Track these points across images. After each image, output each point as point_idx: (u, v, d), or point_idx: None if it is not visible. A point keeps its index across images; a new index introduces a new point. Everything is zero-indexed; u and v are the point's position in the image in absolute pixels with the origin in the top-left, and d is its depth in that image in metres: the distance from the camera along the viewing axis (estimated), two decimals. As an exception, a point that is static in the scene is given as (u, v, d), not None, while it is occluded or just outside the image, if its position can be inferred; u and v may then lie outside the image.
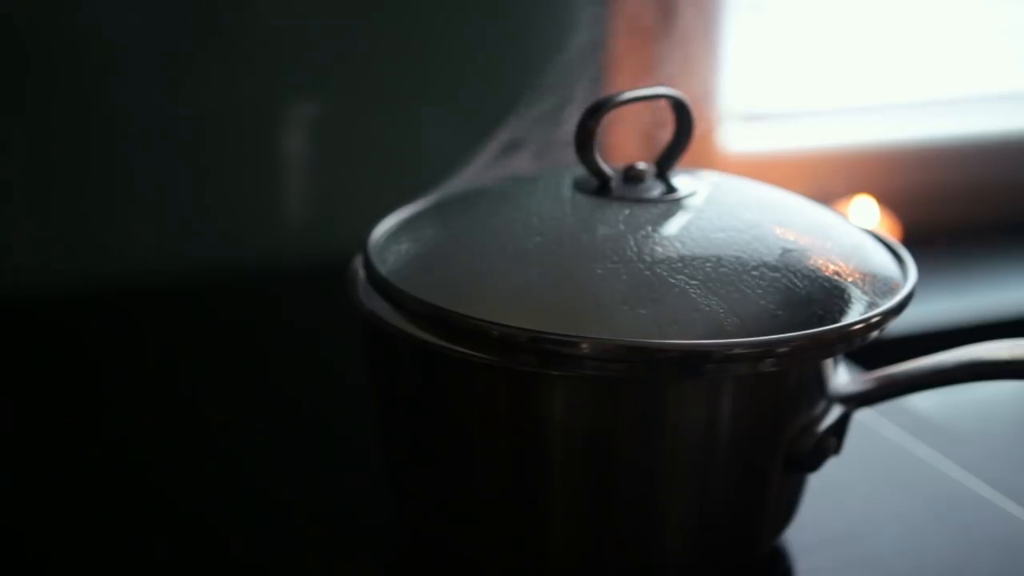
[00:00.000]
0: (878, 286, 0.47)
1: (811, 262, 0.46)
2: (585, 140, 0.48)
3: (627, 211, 0.47)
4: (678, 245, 0.45)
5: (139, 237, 0.83)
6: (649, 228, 0.46)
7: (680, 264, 0.44)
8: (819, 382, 0.48)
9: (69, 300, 0.78)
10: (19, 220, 0.80)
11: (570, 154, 0.49)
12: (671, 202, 0.48)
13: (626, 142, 0.79)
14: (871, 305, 0.45)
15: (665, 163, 0.51)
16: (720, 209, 0.48)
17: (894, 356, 0.51)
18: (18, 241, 0.80)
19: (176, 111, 0.81)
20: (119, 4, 0.78)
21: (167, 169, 0.82)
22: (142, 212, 0.83)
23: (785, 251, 0.46)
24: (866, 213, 1.04)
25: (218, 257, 0.84)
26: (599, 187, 0.49)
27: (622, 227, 0.46)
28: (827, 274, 0.46)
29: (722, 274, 0.44)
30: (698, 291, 0.43)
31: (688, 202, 0.49)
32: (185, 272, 0.83)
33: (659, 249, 0.45)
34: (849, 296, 0.45)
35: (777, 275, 0.45)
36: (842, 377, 0.50)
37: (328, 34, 0.83)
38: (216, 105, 0.82)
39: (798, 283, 0.45)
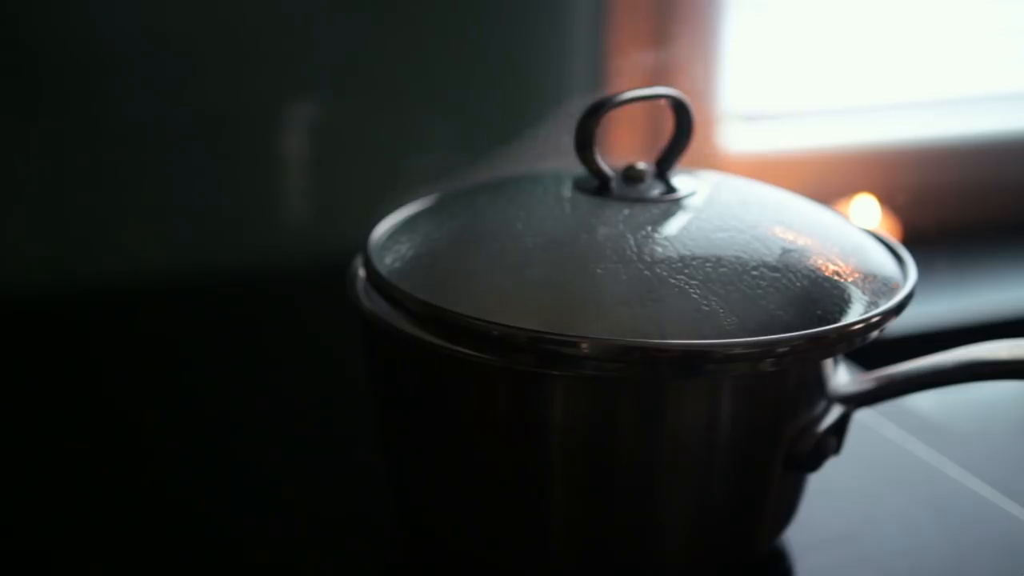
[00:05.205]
0: (878, 286, 0.47)
1: (811, 262, 0.46)
2: (585, 140, 0.48)
3: (627, 211, 0.47)
4: (678, 245, 0.45)
5: (140, 236, 0.83)
6: (649, 228, 0.46)
7: (680, 264, 0.44)
8: (819, 382, 0.48)
9: (71, 299, 0.78)
10: (25, 219, 0.80)
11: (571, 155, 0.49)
12: (671, 202, 0.48)
13: (626, 142, 0.79)
14: (871, 305, 0.45)
15: (665, 163, 0.51)
16: (720, 209, 0.48)
17: (894, 356, 0.51)
18: (22, 239, 0.80)
19: (179, 112, 0.81)
20: (127, 5, 0.78)
21: (168, 169, 0.82)
22: (143, 211, 0.83)
23: (785, 251, 0.46)
24: (866, 213, 1.04)
25: (218, 257, 0.84)
26: (599, 187, 0.49)
27: (622, 227, 0.46)
28: (827, 274, 0.46)
29: (722, 274, 0.44)
30: (698, 291, 0.43)
31: (688, 202, 0.49)
32: (185, 271, 0.83)
33: (659, 249, 0.45)
34: (849, 296, 0.45)
35: (777, 275, 0.45)
36: (842, 377, 0.50)
37: (329, 35, 0.83)
38: (218, 106, 0.82)
39: (798, 283, 0.45)
